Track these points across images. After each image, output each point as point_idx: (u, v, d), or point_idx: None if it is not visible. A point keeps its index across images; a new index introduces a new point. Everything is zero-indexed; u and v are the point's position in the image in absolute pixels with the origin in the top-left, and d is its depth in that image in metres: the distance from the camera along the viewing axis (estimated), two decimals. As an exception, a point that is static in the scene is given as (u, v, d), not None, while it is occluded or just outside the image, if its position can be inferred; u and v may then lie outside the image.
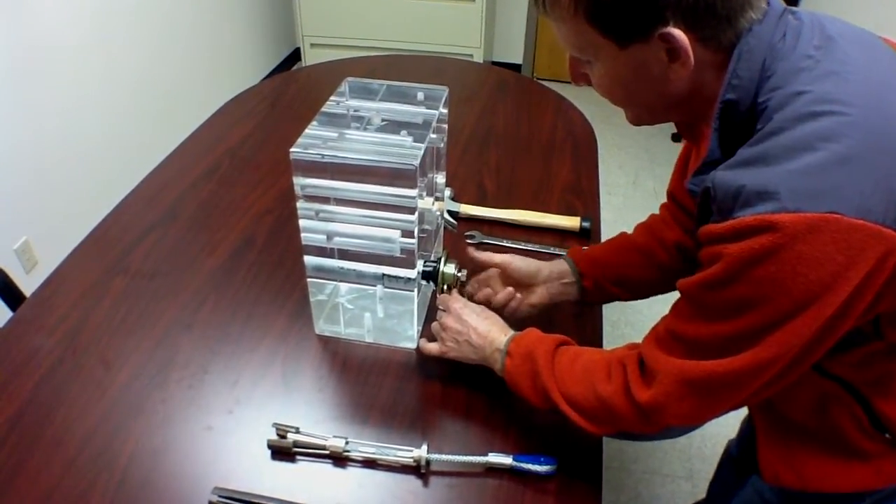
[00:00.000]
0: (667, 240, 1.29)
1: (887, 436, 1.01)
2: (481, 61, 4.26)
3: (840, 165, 0.73)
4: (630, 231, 1.37)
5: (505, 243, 1.56)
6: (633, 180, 3.79)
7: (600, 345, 1.33)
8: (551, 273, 1.30)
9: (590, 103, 3.67)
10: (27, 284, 1.70)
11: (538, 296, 1.29)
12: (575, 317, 1.38)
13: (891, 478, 1.05)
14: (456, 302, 1.19)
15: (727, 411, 0.92)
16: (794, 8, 0.88)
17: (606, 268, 1.30)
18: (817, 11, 0.89)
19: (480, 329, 1.14)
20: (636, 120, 1.00)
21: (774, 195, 0.73)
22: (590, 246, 1.35)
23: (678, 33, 0.81)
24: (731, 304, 0.81)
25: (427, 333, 1.25)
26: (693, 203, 0.95)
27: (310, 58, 4.54)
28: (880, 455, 1.03)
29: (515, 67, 4.89)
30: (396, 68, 2.57)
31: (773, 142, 0.77)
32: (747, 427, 1.56)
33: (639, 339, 1.02)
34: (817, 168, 0.73)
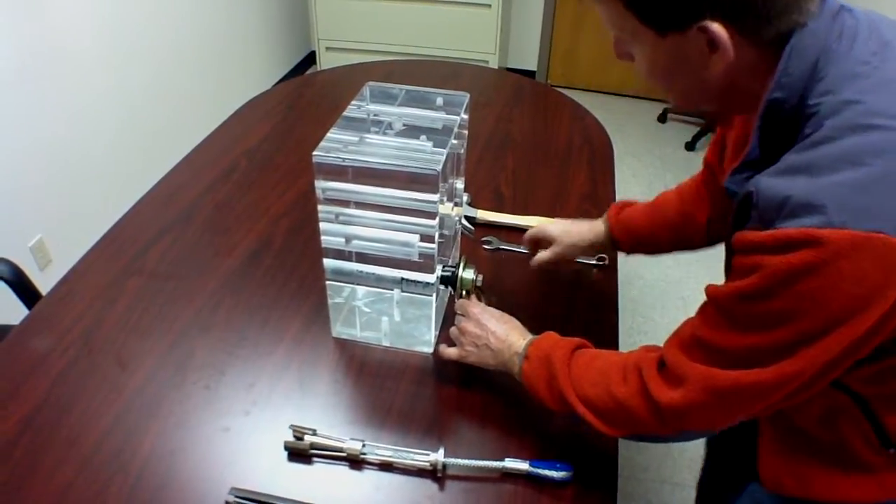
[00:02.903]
0: (698, 217, 1.31)
1: (892, 451, 1.00)
2: (496, 67, 4.26)
3: (888, 183, 0.72)
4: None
5: (522, 249, 1.56)
6: (647, 189, 3.78)
7: (616, 349, 1.32)
8: (589, 236, 1.41)
9: (604, 111, 3.65)
10: (41, 282, 1.71)
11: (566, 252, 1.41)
12: (591, 322, 1.38)
13: (891, 492, 1.05)
14: (475, 307, 1.19)
15: (744, 419, 0.92)
16: (849, 5, 0.85)
17: (641, 236, 1.38)
18: (872, 11, 0.86)
19: (499, 333, 1.14)
20: (677, 104, 0.99)
21: (821, 208, 0.72)
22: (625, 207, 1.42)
23: (716, 27, 0.80)
24: (766, 317, 0.80)
25: (445, 338, 1.25)
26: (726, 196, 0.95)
27: (325, 61, 4.55)
28: (884, 468, 1.02)
29: (530, 74, 4.90)
30: (413, 73, 2.58)
31: (822, 151, 0.76)
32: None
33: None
34: (865, 184, 0.72)
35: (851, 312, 0.74)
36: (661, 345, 0.98)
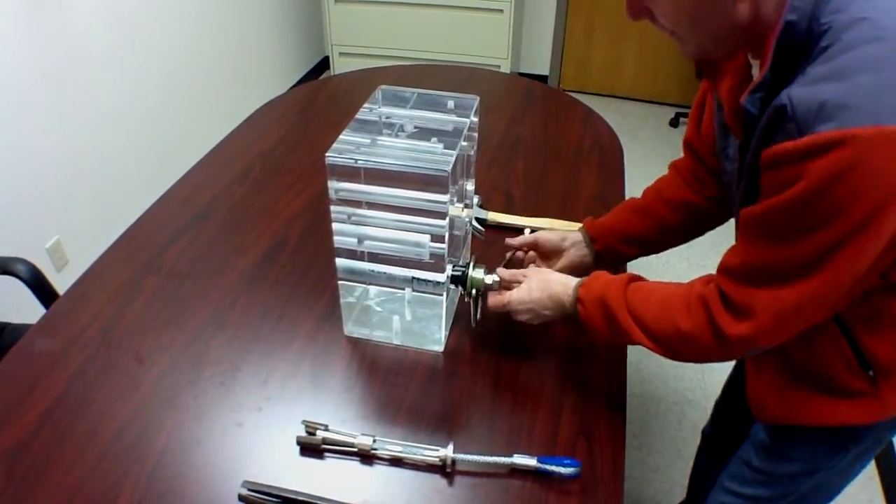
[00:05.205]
0: (672, 199, 1.35)
1: (870, 373, 1.06)
2: (508, 72, 4.28)
3: None
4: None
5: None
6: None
7: (624, 361, 1.34)
8: (573, 242, 1.39)
9: (616, 115, 3.65)
10: (58, 283, 1.74)
11: (561, 264, 1.39)
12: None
13: (872, 414, 1.11)
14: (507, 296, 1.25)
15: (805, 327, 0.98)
16: None
17: (613, 230, 1.38)
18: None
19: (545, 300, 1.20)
20: (698, 51, 1.00)
21: (856, 108, 0.77)
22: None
23: None
24: (814, 220, 0.84)
25: (455, 336, 1.27)
26: (738, 124, 0.99)
27: (338, 66, 4.59)
28: (863, 392, 1.08)
29: (542, 79, 4.91)
30: (425, 77, 2.60)
31: (845, 58, 0.80)
32: (721, 401, 1.70)
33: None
34: (885, 87, 0.77)
35: (888, 200, 0.80)
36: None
